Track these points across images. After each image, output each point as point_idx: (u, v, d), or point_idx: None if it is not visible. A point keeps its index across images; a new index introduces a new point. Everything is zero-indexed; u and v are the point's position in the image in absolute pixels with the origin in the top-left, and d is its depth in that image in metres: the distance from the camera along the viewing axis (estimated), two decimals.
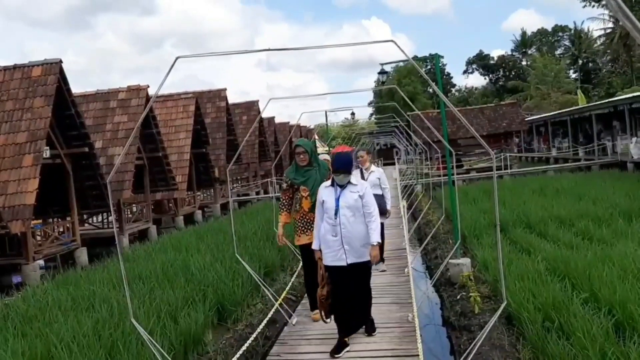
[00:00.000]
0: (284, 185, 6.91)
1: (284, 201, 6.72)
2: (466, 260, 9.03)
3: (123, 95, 18.42)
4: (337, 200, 5.51)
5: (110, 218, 19.33)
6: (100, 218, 20.08)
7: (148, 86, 18.54)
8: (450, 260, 9.28)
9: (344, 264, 5.44)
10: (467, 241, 11.66)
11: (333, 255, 5.48)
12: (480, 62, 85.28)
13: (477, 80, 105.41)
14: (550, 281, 7.17)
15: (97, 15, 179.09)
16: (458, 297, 8.07)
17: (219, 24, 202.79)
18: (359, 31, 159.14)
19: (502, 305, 4.36)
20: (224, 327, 7.73)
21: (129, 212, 20.17)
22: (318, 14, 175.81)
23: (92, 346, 6.13)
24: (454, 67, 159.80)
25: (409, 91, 72.00)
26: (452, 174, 11.26)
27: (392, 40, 3.02)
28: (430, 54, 14.69)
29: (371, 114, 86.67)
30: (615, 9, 1.56)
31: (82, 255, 14.78)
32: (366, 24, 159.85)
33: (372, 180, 8.69)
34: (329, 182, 5.73)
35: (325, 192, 5.64)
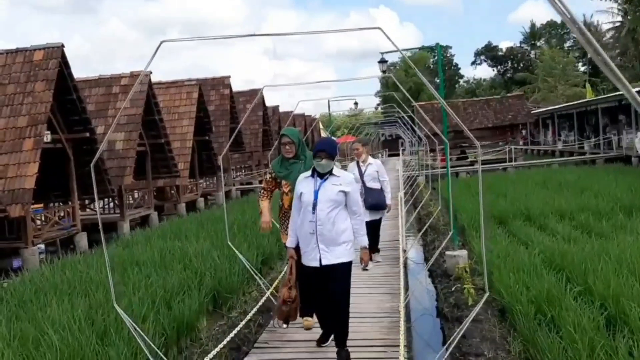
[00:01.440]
0: (268, 176, 6.24)
1: (267, 188, 6.12)
2: (462, 252, 9.00)
3: (125, 81, 18.37)
4: (316, 192, 4.84)
5: (111, 204, 19.37)
6: (102, 204, 20.10)
7: (150, 72, 18.47)
8: (446, 252, 9.27)
9: (317, 264, 4.84)
10: (466, 233, 11.64)
11: (308, 254, 4.92)
12: (489, 53, 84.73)
13: (486, 71, 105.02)
14: (546, 274, 7.13)
15: (102, 0, 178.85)
16: (453, 289, 8.05)
17: (225, 11, 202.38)
18: (366, 19, 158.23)
19: (485, 296, 4.35)
20: (219, 314, 7.76)
21: (130, 198, 20.20)
22: (325, 1, 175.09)
23: (83, 330, 6.14)
24: (463, 58, 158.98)
25: (416, 82, 71.68)
26: (450, 166, 11.17)
27: (378, 28, 2.96)
28: (437, 44, 14.74)
29: (378, 104, 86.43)
30: (571, 26, 1.52)
31: (82, 240, 14.82)
32: (374, 12, 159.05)
33: (370, 173, 8.46)
34: (308, 173, 5.03)
35: (304, 183, 4.98)
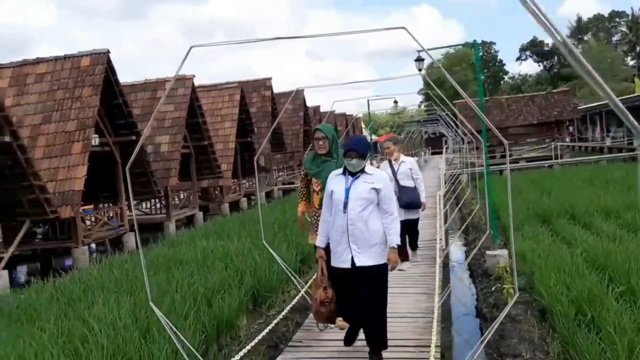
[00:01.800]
0: (302, 173, 6.20)
1: (302, 189, 6.14)
2: (503, 252, 8.90)
3: (170, 84, 18.80)
4: (347, 190, 4.66)
5: (158, 204, 19.86)
6: (149, 204, 20.66)
7: (193, 76, 18.89)
8: (487, 252, 9.19)
9: (348, 265, 4.64)
10: (508, 232, 11.48)
11: (338, 255, 4.71)
12: (534, 48, 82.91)
13: (531, 67, 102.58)
14: (588, 274, 7.00)
15: (153, 4, 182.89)
16: (493, 288, 7.97)
17: (268, 12, 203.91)
18: (408, 18, 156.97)
19: (515, 297, 4.33)
20: (259, 312, 7.87)
21: (176, 199, 20.67)
22: (366, 0, 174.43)
23: (128, 328, 6.34)
24: (507, 54, 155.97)
25: (460, 78, 70.79)
26: (493, 164, 11.02)
27: (403, 27, 2.98)
28: (474, 41, 14.45)
29: (421, 102, 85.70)
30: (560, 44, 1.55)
31: (130, 240, 15.26)
32: (415, 10, 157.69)
33: (404, 171, 8.34)
34: (340, 170, 4.84)
35: (335, 181, 4.79)
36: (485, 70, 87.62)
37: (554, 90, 39.63)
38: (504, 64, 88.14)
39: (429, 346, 4.79)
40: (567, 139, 37.06)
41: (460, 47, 60.12)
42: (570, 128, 42.61)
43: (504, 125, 33.93)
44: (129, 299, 7.68)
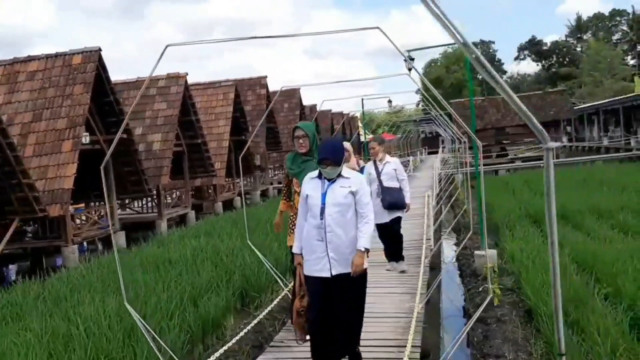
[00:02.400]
0: (284, 173, 5.99)
1: (284, 188, 6.00)
2: (491, 252, 8.85)
3: (163, 82, 18.73)
4: (324, 195, 4.40)
5: (150, 203, 19.80)
6: (140, 203, 20.60)
7: (187, 74, 18.82)
8: (475, 252, 9.16)
9: (327, 274, 4.37)
10: (500, 232, 11.47)
11: (315, 263, 4.42)
12: (533, 47, 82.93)
13: (530, 66, 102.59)
14: (575, 275, 6.98)
15: (150, 3, 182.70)
16: (480, 289, 7.94)
17: (268, 11, 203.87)
18: (408, 17, 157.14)
19: (488, 298, 4.31)
20: (247, 312, 7.83)
21: (169, 198, 20.61)
22: (367, 0, 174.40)
23: (112, 328, 6.30)
24: (506, 53, 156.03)
25: (457, 78, 70.81)
26: (489, 164, 10.98)
27: (377, 27, 2.92)
28: (481, 40, 14.11)
29: (419, 101, 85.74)
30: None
31: (121, 238, 15.20)
32: (416, 9, 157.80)
33: (388, 172, 8.12)
34: (315, 173, 4.56)
35: (310, 185, 4.53)
36: (489, 70, 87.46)
37: (550, 90, 39.57)
38: (503, 63, 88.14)
39: (415, 347, 4.74)
40: (564, 139, 37.09)
41: (453, 46, 60.08)
42: (568, 128, 42.64)
43: (501, 125, 33.99)
44: (115, 299, 7.63)
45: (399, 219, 8.22)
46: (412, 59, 9.78)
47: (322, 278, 4.39)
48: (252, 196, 26.01)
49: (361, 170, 7.87)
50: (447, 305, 9.06)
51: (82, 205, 16.58)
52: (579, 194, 14.49)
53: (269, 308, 6.35)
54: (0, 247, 11.85)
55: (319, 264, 4.39)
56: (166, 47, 3.58)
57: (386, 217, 8.00)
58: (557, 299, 2.10)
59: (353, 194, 4.41)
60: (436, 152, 45.97)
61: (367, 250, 4.37)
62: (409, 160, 35.02)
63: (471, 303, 7.59)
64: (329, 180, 4.44)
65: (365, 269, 4.47)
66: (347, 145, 7.81)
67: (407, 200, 8.17)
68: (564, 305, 5.88)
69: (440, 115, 22.17)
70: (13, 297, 8.65)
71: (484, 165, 30.11)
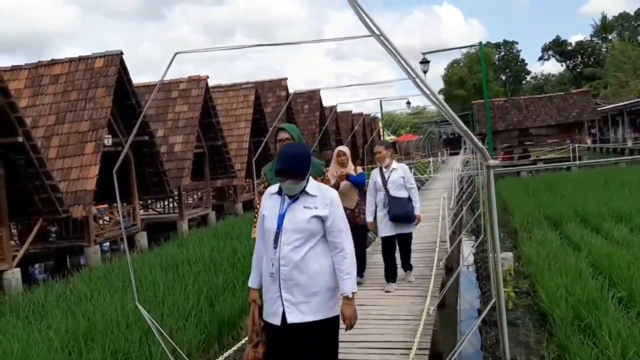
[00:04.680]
0: (261, 188, 4.96)
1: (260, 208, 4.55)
2: (508, 255, 8.83)
3: (184, 85, 19.01)
4: (281, 217, 3.39)
5: (171, 204, 20.07)
6: (162, 204, 20.89)
7: (207, 76, 19.04)
8: (491, 254, 9.13)
9: (277, 322, 3.37)
10: (518, 235, 11.42)
11: (269, 306, 3.44)
12: (557, 48, 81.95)
13: (554, 67, 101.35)
14: (591, 278, 6.94)
15: (172, 5, 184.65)
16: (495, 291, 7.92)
17: (287, 13, 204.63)
18: (430, 17, 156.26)
19: (492, 302, 4.28)
20: None
21: (190, 199, 20.87)
22: (387, 0, 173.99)
23: (130, 326, 6.46)
24: (530, 54, 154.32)
25: (479, 79, 70.24)
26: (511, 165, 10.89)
27: (373, 35, 2.92)
28: (480, 42, 14.00)
29: None
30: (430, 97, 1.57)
31: (142, 239, 15.44)
32: (437, 9, 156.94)
33: (395, 180, 7.31)
34: (275, 187, 3.54)
35: (269, 203, 3.52)
36: (507, 70, 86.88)
37: (574, 91, 39.06)
38: (526, 64, 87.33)
39: (421, 349, 4.78)
40: (588, 140, 36.59)
41: (474, 48, 59.73)
42: (592, 129, 42.06)
43: (523, 126, 33.61)
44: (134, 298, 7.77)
45: (409, 237, 7.52)
46: (427, 62, 9.80)
47: (274, 326, 3.40)
48: None
49: (361, 178, 7.43)
50: (465, 308, 9.09)
51: (106, 206, 16.88)
52: (599, 196, 14.33)
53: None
54: (24, 247, 12.13)
55: (272, 307, 3.41)
56: (175, 54, 3.69)
57: (391, 231, 7.28)
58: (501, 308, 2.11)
59: (320, 218, 3.38)
60: (458, 154, 45.74)
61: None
62: (428, 162, 34.94)
63: (485, 306, 7.57)
64: (290, 197, 3.42)
65: (336, 317, 3.47)
66: (344, 148, 7.54)
67: (417, 212, 7.39)
68: (577, 309, 5.91)
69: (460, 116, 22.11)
70: (36, 296, 8.90)
71: (506, 167, 30.01)
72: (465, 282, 10.58)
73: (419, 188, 22.32)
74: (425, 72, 8.96)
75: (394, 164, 7.49)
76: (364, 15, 1.45)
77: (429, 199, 17.04)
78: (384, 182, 7.29)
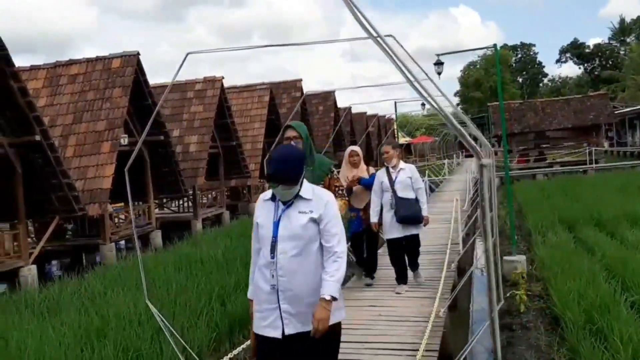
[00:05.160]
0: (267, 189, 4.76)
1: None
2: (521, 258, 8.82)
3: (199, 86, 19.16)
4: (276, 225, 3.25)
5: (186, 204, 20.21)
6: (177, 203, 21.06)
7: (222, 77, 19.17)
8: (504, 257, 9.10)
9: (277, 334, 3.22)
10: (532, 238, 11.35)
11: (264, 318, 3.27)
12: (575, 50, 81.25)
13: (572, 69, 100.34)
14: (604, 282, 6.90)
15: (189, 7, 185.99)
16: (507, 294, 7.89)
17: (303, 15, 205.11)
18: (446, 20, 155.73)
19: (500, 304, 4.25)
20: None
21: (204, 198, 21.01)
22: (403, 1, 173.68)
23: (143, 324, 6.52)
24: (547, 56, 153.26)
25: (496, 80, 69.86)
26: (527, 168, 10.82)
27: (370, 37, 2.93)
28: (494, 45, 13.86)
29: (457, 104, 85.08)
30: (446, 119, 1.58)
31: (157, 237, 15.58)
32: (454, 11, 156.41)
33: (402, 180, 7.10)
34: (268, 193, 3.40)
35: (263, 210, 3.38)
36: (524, 73, 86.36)
37: (591, 94, 38.67)
38: (543, 66, 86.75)
39: (430, 350, 4.79)
40: (605, 144, 36.22)
41: (490, 50, 59.34)
42: (609, 133, 41.62)
43: (539, 129, 33.34)
44: (148, 296, 7.84)
45: (416, 239, 7.32)
46: (441, 63, 9.77)
47: (271, 339, 3.23)
48: None
49: (372, 180, 7.33)
50: (477, 310, 9.04)
51: (122, 204, 17.05)
52: (615, 200, 14.20)
53: None
54: (40, 244, 12.29)
55: (268, 319, 3.23)
56: (187, 54, 3.75)
57: (398, 233, 7.11)
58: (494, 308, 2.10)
59: (315, 221, 3.24)
60: (473, 156, 45.43)
61: (333, 299, 3.16)
62: (443, 164, 34.81)
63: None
64: (284, 203, 3.28)
65: (337, 323, 3.32)
66: (356, 148, 7.54)
67: (425, 213, 7.19)
68: (590, 313, 5.87)
69: (472, 118, 21.98)
70: (51, 293, 9.01)
71: (521, 169, 29.82)
72: (479, 285, 10.54)
73: (432, 190, 22.29)
74: (439, 73, 8.93)
75: (402, 164, 7.30)
76: (360, 16, 1.47)
77: (442, 200, 16.99)
78: (391, 183, 7.09)
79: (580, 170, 27.74)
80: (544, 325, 6.50)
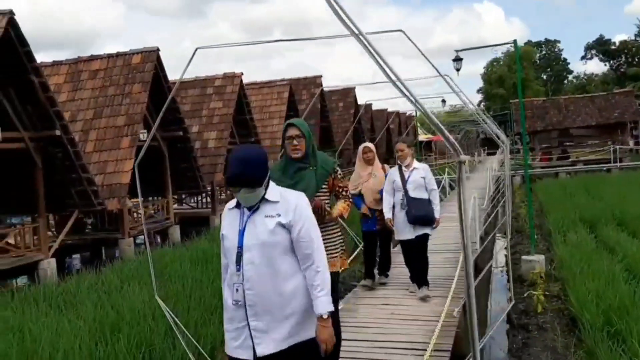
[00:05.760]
0: None
1: None
2: (539, 257, 8.68)
3: (219, 82, 19.20)
4: (242, 233, 2.92)
5: (204, 199, 20.30)
6: (196, 199, 21.15)
7: (242, 73, 19.18)
8: (522, 257, 8.98)
9: (249, 356, 2.92)
10: (552, 237, 11.18)
11: (234, 337, 2.98)
12: (600, 47, 79.86)
13: (597, 66, 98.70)
14: (625, 282, 6.74)
15: (211, 4, 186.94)
16: (525, 294, 7.77)
17: (325, 11, 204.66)
18: (470, 15, 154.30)
19: (511, 304, 4.16)
20: None
21: (223, 194, 21.06)
22: None
23: (157, 319, 6.54)
24: (572, 53, 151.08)
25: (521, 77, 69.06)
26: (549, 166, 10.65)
27: (401, 30, 2.89)
28: (515, 40, 13.48)
29: (480, 102, 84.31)
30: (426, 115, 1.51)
31: (175, 232, 15.68)
32: (478, 7, 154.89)
33: (414, 180, 6.78)
34: (233, 202, 3.08)
35: (228, 220, 3.07)
36: (548, 70, 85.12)
37: (616, 91, 37.97)
38: (568, 63, 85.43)
39: (442, 350, 4.72)
40: (630, 142, 35.55)
41: (510, 46, 58.48)
42: (635, 130, 40.83)
43: (563, 126, 32.84)
44: (163, 291, 7.89)
45: (425, 236, 6.92)
46: (460, 59, 9.63)
47: None
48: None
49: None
50: (495, 310, 8.93)
51: (142, 199, 17.18)
52: (639, 199, 13.93)
53: None
54: (60, 238, 12.43)
55: (239, 339, 2.94)
56: (196, 49, 3.73)
57: (410, 234, 6.80)
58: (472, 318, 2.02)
59: (285, 226, 2.92)
60: (495, 154, 45.00)
61: (330, 314, 2.94)
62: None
63: (514, 309, 7.43)
64: (250, 209, 2.96)
65: (312, 339, 2.97)
66: (370, 144, 7.28)
67: (437, 215, 6.83)
68: (608, 314, 5.74)
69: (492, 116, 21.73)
70: (69, 286, 9.10)
71: (544, 167, 29.41)
72: (498, 284, 10.41)
73: (452, 188, 22.08)
74: (458, 70, 8.76)
75: (415, 164, 6.96)
76: (341, 12, 1.42)
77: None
78: (403, 182, 6.79)
79: (604, 168, 27.28)
80: (561, 326, 6.38)
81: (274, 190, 3.01)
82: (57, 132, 11.23)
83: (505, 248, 12.79)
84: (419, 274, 6.91)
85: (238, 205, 3.02)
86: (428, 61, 3.06)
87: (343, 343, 5.24)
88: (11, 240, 11.80)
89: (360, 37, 1.46)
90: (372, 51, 1.44)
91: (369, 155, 7.13)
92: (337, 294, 4.19)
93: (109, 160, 13.44)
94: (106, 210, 13.16)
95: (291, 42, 4.47)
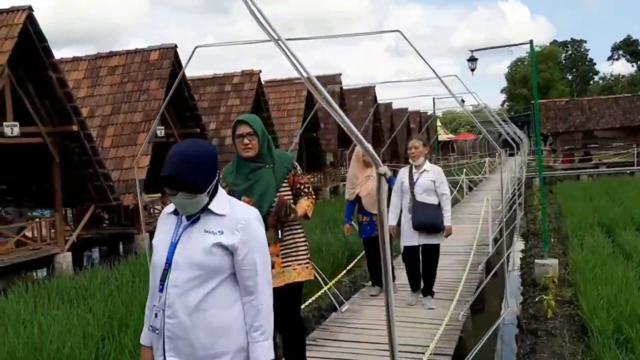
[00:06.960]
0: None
1: None
2: (552, 261, 8.53)
3: (237, 79, 19.25)
4: (173, 247, 2.35)
5: None
6: None
7: (260, 71, 19.21)
8: (536, 260, 8.86)
9: None
10: (569, 240, 11.01)
11: None
12: (627, 48, 78.50)
13: (624, 67, 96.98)
14: (638, 290, 6.60)
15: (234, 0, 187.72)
16: (537, 299, 7.65)
17: (348, 8, 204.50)
18: (495, 14, 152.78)
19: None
20: None
21: None
22: None
23: None
24: (599, 53, 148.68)
25: (545, 78, 68.18)
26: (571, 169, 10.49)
27: (398, 31, 2.84)
28: (531, 40, 13.11)
29: (503, 101, 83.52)
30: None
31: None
32: (503, 6, 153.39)
33: (423, 184, 6.25)
34: (171, 207, 2.48)
35: (163, 227, 2.49)
36: (574, 70, 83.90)
37: None
38: (594, 64, 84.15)
39: (444, 354, 4.66)
40: None
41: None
42: None
43: (586, 128, 32.34)
44: None
45: (435, 248, 6.42)
46: (475, 59, 9.51)
47: None
48: (322, 192, 26.28)
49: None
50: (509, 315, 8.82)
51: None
52: None
53: (310, 300, 6.41)
54: (76, 232, 12.58)
55: None
56: (195, 47, 3.74)
57: (413, 240, 6.34)
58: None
59: (227, 248, 2.32)
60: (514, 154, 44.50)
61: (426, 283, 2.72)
62: (484, 162, 34.20)
63: (524, 313, 7.33)
64: (188, 218, 2.38)
65: None
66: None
67: (447, 222, 6.27)
68: (619, 321, 5.62)
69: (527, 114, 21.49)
70: (82, 280, 9.21)
71: (565, 170, 28.98)
72: (512, 288, 10.30)
73: (470, 189, 21.81)
74: (472, 69, 8.62)
75: (427, 165, 6.44)
76: (261, 17, 1.39)
77: (477, 200, 16.68)
78: (412, 184, 6.31)
79: (627, 171, 26.81)
80: (570, 332, 6.26)
81: (221, 201, 2.40)
82: (75, 128, 11.37)
83: (521, 251, 12.69)
84: (425, 284, 6.53)
85: (175, 212, 2.43)
86: (426, 63, 3.01)
87: (345, 344, 5.23)
88: (29, 234, 12.00)
89: (280, 42, 1.43)
90: (292, 59, 1.41)
91: (367, 157, 6.85)
92: (298, 315, 4.02)
93: (126, 156, 13.57)
94: (122, 206, 13.28)
95: (313, 40, 4.43)
